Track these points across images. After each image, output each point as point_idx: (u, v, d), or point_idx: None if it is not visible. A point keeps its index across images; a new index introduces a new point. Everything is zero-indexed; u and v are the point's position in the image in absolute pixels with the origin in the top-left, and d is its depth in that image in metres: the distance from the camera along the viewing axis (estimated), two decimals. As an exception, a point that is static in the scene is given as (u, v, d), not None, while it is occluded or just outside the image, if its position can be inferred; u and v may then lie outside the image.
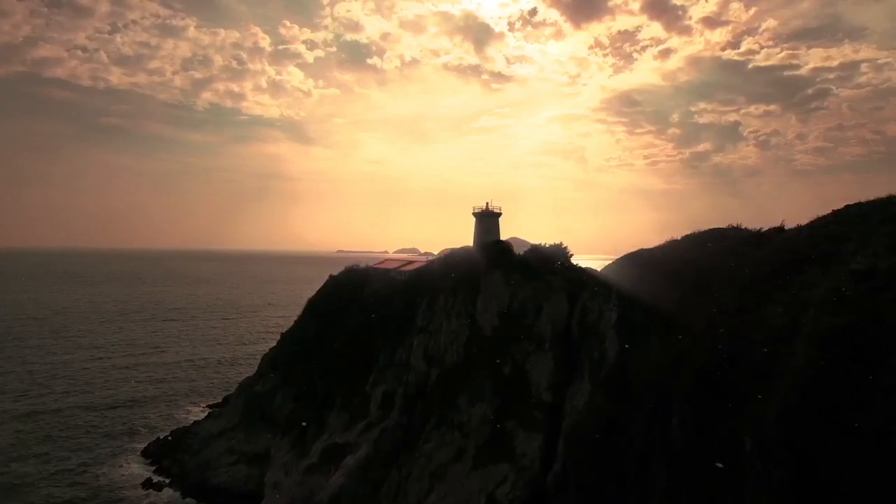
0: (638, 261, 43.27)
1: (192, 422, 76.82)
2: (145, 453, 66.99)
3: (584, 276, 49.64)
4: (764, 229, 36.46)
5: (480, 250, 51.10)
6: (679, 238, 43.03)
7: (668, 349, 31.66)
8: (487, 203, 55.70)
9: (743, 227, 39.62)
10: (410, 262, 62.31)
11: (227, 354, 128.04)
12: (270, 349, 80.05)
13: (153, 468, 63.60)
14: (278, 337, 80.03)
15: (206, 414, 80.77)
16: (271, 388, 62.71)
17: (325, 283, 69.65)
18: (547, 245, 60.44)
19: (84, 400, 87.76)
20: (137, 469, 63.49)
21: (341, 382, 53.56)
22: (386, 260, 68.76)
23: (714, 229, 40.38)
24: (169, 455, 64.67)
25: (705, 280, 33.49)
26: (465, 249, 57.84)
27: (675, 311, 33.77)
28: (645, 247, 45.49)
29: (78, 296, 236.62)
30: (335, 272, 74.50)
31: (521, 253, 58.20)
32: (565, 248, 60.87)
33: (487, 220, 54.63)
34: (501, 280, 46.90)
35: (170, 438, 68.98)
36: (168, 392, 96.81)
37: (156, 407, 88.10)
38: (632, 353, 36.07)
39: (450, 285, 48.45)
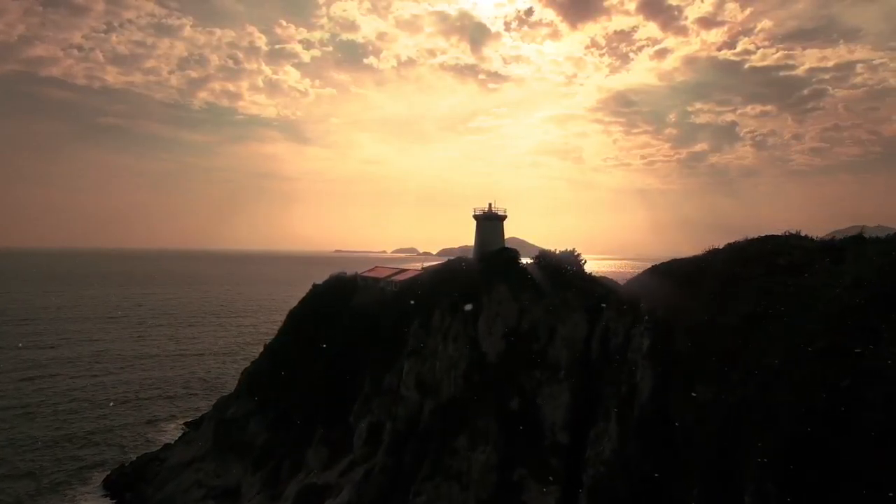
0: (671, 274, 36.04)
1: (163, 445, 69.76)
2: (107, 483, 59.85)
3: (605, 290, 42.46)
4: (837, 237, 29.26)
5: (483, 259, 43.83)
6: (721, 247, 35.75)
7: (728, 393, 24.49)
8: (490, 204, 48.37)
9: (804, 235, 32.40)
10: (403, 271, 55.12)
11: (215, 364, 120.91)
12: (252, 363, 73.10)
13: (113, 502, 56.57)
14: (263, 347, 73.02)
15: (181, 434, 73.89)
16: (245, 412, 55.50)
17: (307, 293, 62.40)
18: (557, 251, 53.24)
19: (50, 417, 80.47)
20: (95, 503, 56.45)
21: (321, 411, 46.38)
22: (376, 266, 61.61)
23: (767, 237, 33.13)
24: (132, 487, 57.51)
25: (769, 303, 26.31)
26: (463, 258, 50.53)
27: (729, 341, 26.62)
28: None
29: (68, 298, 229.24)
30: (333, 272, 67.88)
31: (530, 260, 50.99)
32: (578, 254, 53.66)
33: (490, 223, 47.31)
34: (508, 295, 39.68)
35: (136, 466, 61.81)
36: (145, 407, 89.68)
37: (129, 425, 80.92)
38: (673, 392, 28.89)
39: (447, 300, 41.20)
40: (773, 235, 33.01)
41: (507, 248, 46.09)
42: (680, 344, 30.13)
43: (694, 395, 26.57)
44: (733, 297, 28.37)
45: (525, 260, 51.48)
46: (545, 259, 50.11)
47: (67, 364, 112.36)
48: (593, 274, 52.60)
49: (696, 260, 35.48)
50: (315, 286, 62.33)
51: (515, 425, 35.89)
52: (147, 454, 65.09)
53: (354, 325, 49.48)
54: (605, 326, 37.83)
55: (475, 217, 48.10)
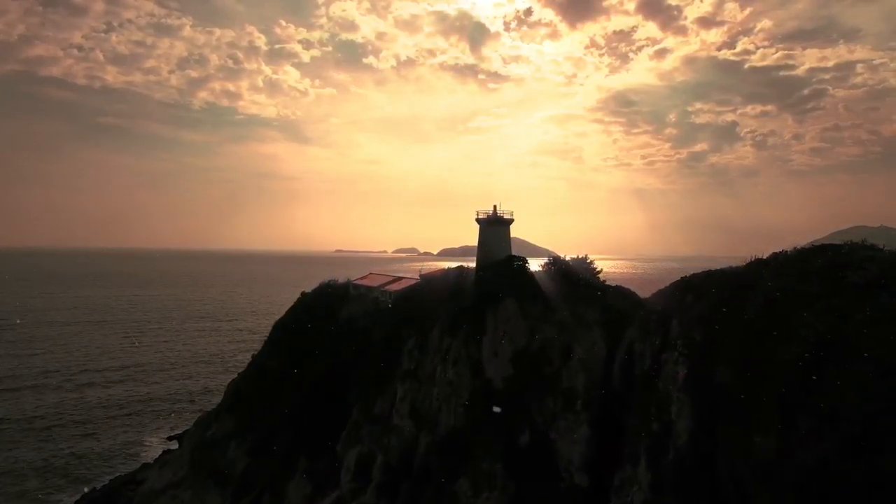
0: (707, 288, 30.90)
1: (141, 464, 64.89)
2: (76, 509, 55.05)
3: (626, 304, 37.43)
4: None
5: (487, 269, 38.70)
6: (765, 258, 30.59)
7: (799, 448, 19.45)
8: (495, 206, 43.21)
9: (871, 245, 27.13)
10: (398, 279, 50.06)
11: (208, 371, 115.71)
12: (239, 374, 68.29)
13: (81, 531, 51.77)
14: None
15: (160, 453, 69.03)
16: (225, 433, 50.49)
17: (294, 303, 57.36)
18: (567, 257, 48.12)
19: (25, 433, 75.33)
20: (60, 534, 51.62)
21: (306, 438, 41.36)
22: (370, 274, 56.59)
23: (825, 246, 27.94)
24: (102, 514, 52.69)
25: (846, 332, 21.26)
26: (465, 268, 45.45)
27: (794, 378, 21.59)
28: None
29: (61, 299, 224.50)
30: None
31: (537, 265, 45.83)
32: (591, 262, 48.58)
33: (495, 228, 42.16)
34: (516, 311, 34.61)
35: (108, 490, 56.90)
36: (131, 420, 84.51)
37: (111, 441, 75.80)
38: (721, 438, 23.81)
39: (447, 317, 36.14)
40: (831, 245, 27.87)
41: (515, 257, 40.98)
42: (725, 376, 25.05)
43: (749, 445, 21.51)
44: (795, 322, 23.30)
45: (531, 263, 46.24)
46: (556, 267, 45.07)
47: (51, 374, 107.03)
48: (608, 283, 47.61)
49: (736, 273, 30.35)
50: (303, 294, 57.30)
51: (525, 465, 30.86)
52: (121, 476, 60.24)
53: (344, 340, 44.44)
54: (629, 348, 32.81)
55: (478, 221, 42.99)
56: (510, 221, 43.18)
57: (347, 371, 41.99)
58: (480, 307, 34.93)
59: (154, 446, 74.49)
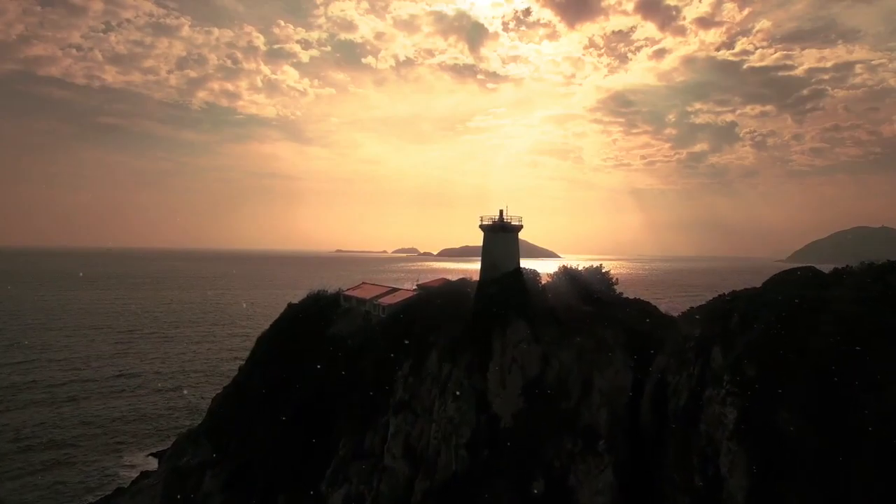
0: (754, 309, 26.03)
1: (115, 488, 59.97)
2: (40, 542, 50.15)
3: (652, 324, 32.51)
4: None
5: (494, 283, 33.72)
6: (826, 273, 25.76)
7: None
8: (502, 211, 38.19)
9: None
10: (393, 290, 45.21)
11: (199, 381, 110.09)
12: (224, 388, 63.32)
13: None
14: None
15: (142, 471, 64.18)
16: (201, 462, 45.61)
17: (280, 316, 52.34)
18: (581, 267, 43.21)
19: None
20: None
21: (286, 472, 36.43)
22: (363, 284, 51.70)
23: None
24: (66, 549, 47.77)
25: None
26: (468, 281, 40.51)
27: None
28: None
29: (53, 301, 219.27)
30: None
31: (548, 275, 40.93)
32: (606, 272, 43.67)
33: (502, 236, 37.10)
34: (527, 335, 29.70)
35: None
36: (111, 433, 79.10)
37: (89, 454, 70.65)
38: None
39: (447, 339, 31.21)
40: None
41: (525, 269, 36.01)
42: (794, 425, 20.21)
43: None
44: (885, 359, 18.53)
45: (536, 265, 41.36)
46: (569, 278, 40.16)
47: (37, 385, 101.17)
48: (624, 295, 42.79)
49: (794, 293, 25.45)
50: (290, 307, 52.27)
51: (540, 519, 25.99)
52: (92, 503, 55.28)
53: (331, 361, 39.50)
54: (661, 380, 27.94)
55: (482, 227, 37.98)
56: (518, 228, 38.19)
57: (334, 397, 37.08)
58: (486, 329, 30.03)
59: (135, 465, 69.41)
